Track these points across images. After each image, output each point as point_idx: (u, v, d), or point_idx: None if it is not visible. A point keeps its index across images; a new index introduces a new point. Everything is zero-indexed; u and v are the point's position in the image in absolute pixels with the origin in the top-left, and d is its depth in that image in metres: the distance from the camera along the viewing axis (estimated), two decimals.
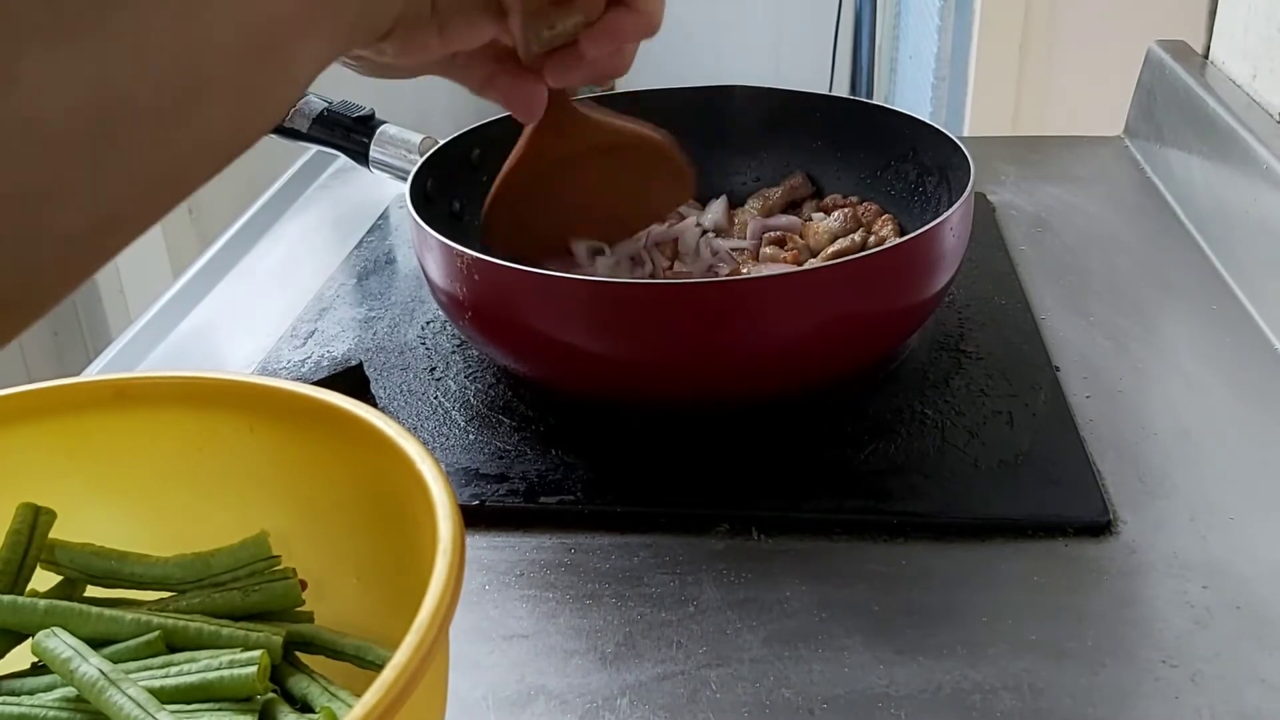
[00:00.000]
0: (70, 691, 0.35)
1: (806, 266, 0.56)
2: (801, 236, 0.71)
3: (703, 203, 0.75)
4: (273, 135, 0.80)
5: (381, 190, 0.92)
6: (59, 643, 0.36)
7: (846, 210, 0.71)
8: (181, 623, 0.37)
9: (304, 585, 0.40)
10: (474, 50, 0.49)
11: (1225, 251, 0.75)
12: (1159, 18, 1.03)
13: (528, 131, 0.58)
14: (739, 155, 0.78)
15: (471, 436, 0.60)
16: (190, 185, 0.28)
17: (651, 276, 0.67)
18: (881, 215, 0.71)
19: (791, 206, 0.76)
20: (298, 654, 0.39)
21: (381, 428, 0.38)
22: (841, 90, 2.47)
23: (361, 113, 0.79)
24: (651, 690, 0.44)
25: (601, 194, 0.62)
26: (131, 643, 0.37)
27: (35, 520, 0.39)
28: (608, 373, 0.57)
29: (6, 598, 0.38)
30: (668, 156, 0.62)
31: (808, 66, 2.65)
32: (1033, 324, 0.68)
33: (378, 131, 0.78)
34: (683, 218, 0.73)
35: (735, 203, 0.76)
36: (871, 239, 0.69)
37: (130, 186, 0.26)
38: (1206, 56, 0.92)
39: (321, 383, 0.59)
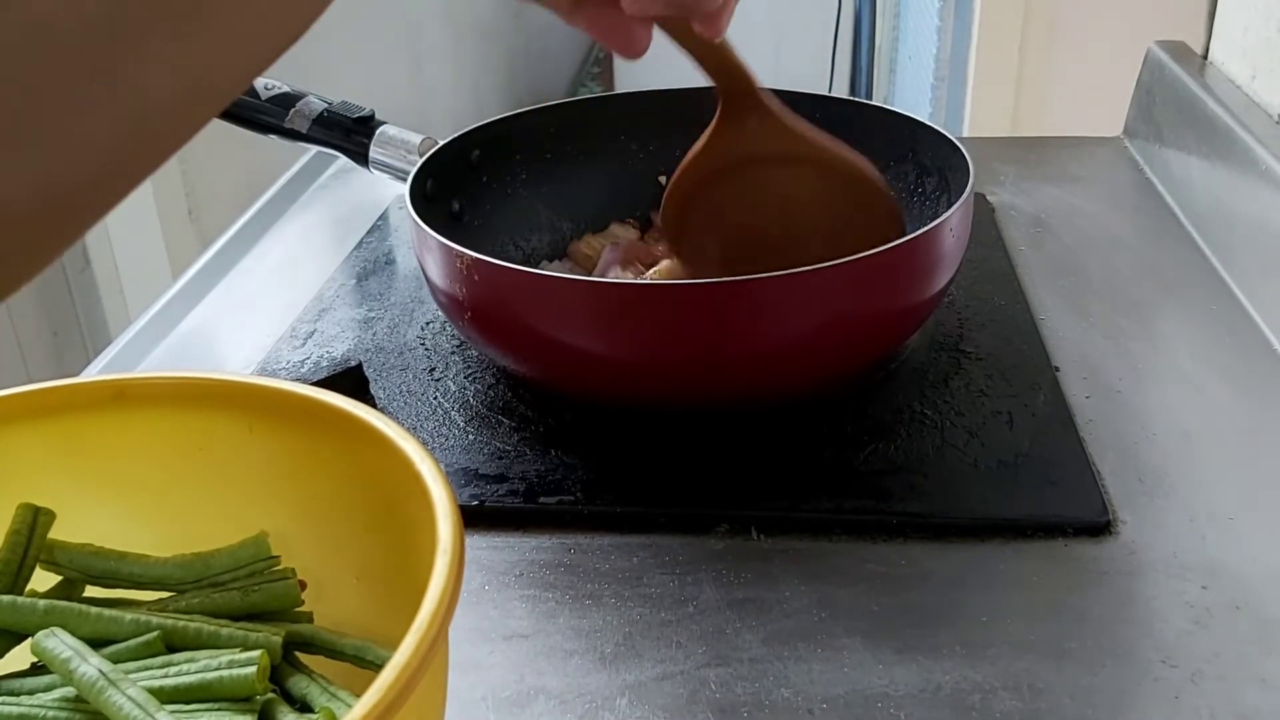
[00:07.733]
0: (70, 691, 0.35)
1: (806, 268, 0.56)
2: None
3: None
4: (273, 135, 0.80)
5: (381, 191, 0.92)
6: (59, 643, 0.36)
7: None
8: (181, 623, 0.37)
9: (304, 585, 0.40)
10: None
11: (1225, 251, 0.75)
12: (1158, 18, 1.03)
13: (711, 124, 0.52)
14: None
15: (471, 437, 0.60)
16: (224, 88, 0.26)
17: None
18: None
19: None
20: (297, 654, 0.39)
21: (381, 428, 0.38)
22: (841, 91, 2.47)
23: (361, 113, 0.79)
24: (651, 690, 0.44)
25: (792, 211, 0.56)
26: (131, 643, 0.37)
27: (35, 520, 0.39)
28: (608, 373, 0.57)
29: (6, 598, 0.38)
30: (873, 188, 0.56)
31: (807, 67, 2.65)
32: (1032, 324, 0.68)
33: (377, 132, 0.78)
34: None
35: None
36: None
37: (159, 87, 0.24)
38: (1206, 57, 0.92)
39: (321, 383, 0.59)
